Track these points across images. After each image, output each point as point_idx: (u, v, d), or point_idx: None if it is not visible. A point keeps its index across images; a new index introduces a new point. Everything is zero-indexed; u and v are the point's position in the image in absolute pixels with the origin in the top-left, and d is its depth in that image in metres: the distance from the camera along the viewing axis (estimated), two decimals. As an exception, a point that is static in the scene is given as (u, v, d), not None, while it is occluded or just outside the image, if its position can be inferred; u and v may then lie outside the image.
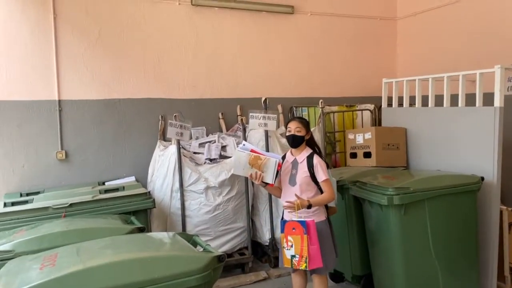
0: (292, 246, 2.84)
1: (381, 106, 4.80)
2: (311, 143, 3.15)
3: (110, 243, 2.04)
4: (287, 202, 2.94)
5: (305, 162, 3.04)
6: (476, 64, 4.07)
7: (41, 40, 4.13)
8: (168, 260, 1.84)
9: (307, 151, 3.10)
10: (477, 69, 3.58)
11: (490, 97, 3.40)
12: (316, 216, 2.96)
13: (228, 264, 4.21)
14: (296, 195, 2.94)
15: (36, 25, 4.11)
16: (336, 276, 4.06)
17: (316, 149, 3.14)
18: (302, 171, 3.02)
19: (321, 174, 2.97)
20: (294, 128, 3.06)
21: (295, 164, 3.09)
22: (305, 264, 2.79)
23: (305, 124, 3.12)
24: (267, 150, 4.25)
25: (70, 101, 4.26)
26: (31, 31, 4.09)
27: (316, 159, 3.03)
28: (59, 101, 4.21)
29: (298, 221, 2.81)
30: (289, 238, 2.83)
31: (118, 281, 1.68)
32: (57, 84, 4.19)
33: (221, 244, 4.20)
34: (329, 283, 4.03)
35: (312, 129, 4.67)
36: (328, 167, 3.10)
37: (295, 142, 3.08)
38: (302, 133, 3.06)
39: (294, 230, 2.81)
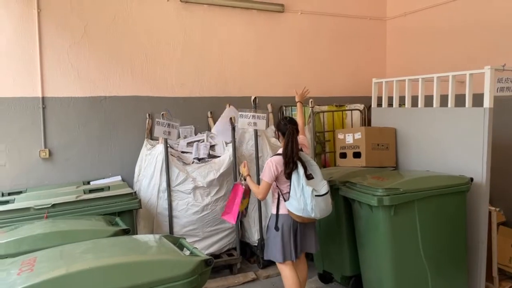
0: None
1: (370, 106, 4.79)
2: (285, 145, 3.12)
3: (92, 247, 1.96)
4: (242, 166, 3.40)
5: None
6: (466, 64, 4.07)
7: (24, 35, 4.00)
8: (153, 265, 1.77)
9: (279, 150, 3.19)
10: (467, 69, 3.57)
11: (480, 98, 3.40)
12: (272, 209, 3.25)
13: (216, 265, 4.16)
14: (246, 163, 3.39)
15: (20, 20, 3.98)
16: (325, 277, 4.04)
17: (283, 150, 3.11)
18: None
19: (262, 172, 3.18)
20: None
21: None
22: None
23: (276, 125, 3.33)
24: (257, 149, 4.21)
25: (54, 98, 4.15)
26: (14, 26, 3.97)
27: (268, 160, 3.16)
28: (43, 98, 4.09)
29: (236, 182, 3.45)
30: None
31: (100, 287, 1.61)
32: (40, 80, 4.07)
33: (209, 245, 4.14)
34: (318, 284, 4.04)
35: (302, 129, 4.69)
36: (287, 167, 3.07)
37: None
38: (276, 136, 3.35)
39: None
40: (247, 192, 3.42)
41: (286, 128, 3.15)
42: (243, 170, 3.35)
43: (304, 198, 2.98)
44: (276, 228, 3.14)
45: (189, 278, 1.79)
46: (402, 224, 3.07)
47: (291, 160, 3.04)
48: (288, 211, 3.09)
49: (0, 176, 3.95)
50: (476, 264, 3.43)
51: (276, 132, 3.32)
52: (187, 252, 2.07)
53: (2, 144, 3.96)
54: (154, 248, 2.06)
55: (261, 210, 4.26)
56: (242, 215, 3.46)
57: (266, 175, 3.09)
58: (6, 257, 2.04)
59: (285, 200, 3.11)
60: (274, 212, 3.19)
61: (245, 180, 3.36)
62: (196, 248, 2.10)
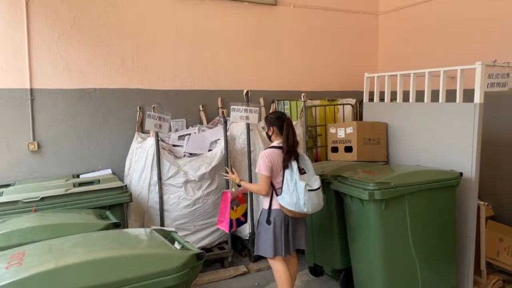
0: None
1: (362, 100, 4.80)
2: (285, 138, 3.14)
3: (81, 240, 1.93)
4: (224, 174, 3.49)
5: None
6: (457, 60, 4.09)
7: (12, 25, 3.92)
8: (144, 259, 1.75)
9: (275, 143, 3.21)
10: (458, 65, 3.59)
11: (471, 93, 3.42)
12: (263, 204, 3.24)
13: (207, 258, 4.10)
14: (233, 170, 3.47)
15: (7, 9, 3.90)
16: (316, 270, 4.07)
17: (279, 143, 3.16)
18: None
19: (257, 166, 3.15)
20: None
21: None
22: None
23: (267, 120, 3.30)
24: (249, 143, 4.19)
25: (43, 90, 4.08)
26: (3, 16, 3.89)
27: (265, 151, 3.19)
28: (31, 89, 4.02)
29: (224, 191, 3.42)
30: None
31: (89, 282, 1.58)
32: (29, 72, 4.00)
33: (200, 239, 4.13)
34: (309, 277, 4.06)
35: (294, 123, 4.67)
36: (287, 161, 3.09)
37: (268, 139, 3.36)
38: (266, 129, 3.33)
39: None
40: (243, 199, 3.40)
41: (283, 120, 3.17)
42: (233, 177, 3.34)
43: (297, 193, 2.99)
44: (268, 222, 3.13)
45: (180, 272, 1.77)
46: (392, 218, 3.09)
47: (292, 150, 3.09)
48: (280, 205, 3.09)
49: (-13, 168, 3.89)
50: (464, 257, 3.47)
51: (270, 127, 3.23)
52: (178, 246, 2.06)
53: (-11, 136, 3.89)
54: (145, 241, 2.05)
55: (252, 204, 4.26)
56: (241, 222, 3.46)
57: (263, 169, 3.07)
58: (-6, 251, 2.00)
59: (277, 195, 3.11)
60: (266, 207, 3.18)
61: (239, 186, 3.34)
62: (187, 241, 2.09)
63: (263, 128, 4.48)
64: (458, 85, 3.54)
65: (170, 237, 2.20)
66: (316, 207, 3.07)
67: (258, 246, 3.23)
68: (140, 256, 1.78)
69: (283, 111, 5.12)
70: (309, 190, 2.98)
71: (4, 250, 1.95)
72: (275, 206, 3.14)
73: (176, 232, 2.26)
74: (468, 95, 3.47)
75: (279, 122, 3.18)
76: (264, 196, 3.17)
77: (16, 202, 3.01)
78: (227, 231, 3.41)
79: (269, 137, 3.31)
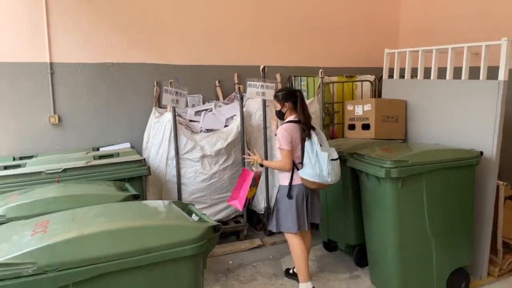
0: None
1: (381, 77, 4.70)
2: (300, 111, 3.20)
3: (103, 211, 2.00)
4: (246, 155, 3.51)
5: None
6: (482, 36, 3.94)
7: (30, 1, 3.93)
8: (163, 229, 1.81)
9: (290, 118, 3.23)
10: (483, 41, 3.47)
11: (495, 70, 3.32)
12: (281, 180, 3.25)
13: (223, 231, 4.22)
14: (254, 150, 3.49)
15: (26, -17, 3.91)
16: (330, 245, 4.11)
17: (297, 118, 3.19)
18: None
19: (277, 143, 3.16)
20: (274, 105, 3.39)
21: None
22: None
23: (278, 98, 3.29)
24: (265, 119, 4.19)
25: (62, 64, 4.12)
26: (21, -10, 3.90)
27: (283, 126, 3.18)
28: (51, 63, 4.06)
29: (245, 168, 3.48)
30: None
31: (111, 250, 1.65)
32: (48, 46, 4.03)
33: (216, 212, 4.21)
34: (323, 251, 4.12)
35: (311, 100, 4.66)
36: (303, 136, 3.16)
37: (277, 116, 3.38)
38: (278, 107, 3.30)
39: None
40: (257, 180, 3.39)
41: (296, 95, 3.23)
42: (255, 157, 3.33)
43: (320, 164, 3.07)
44: (290, 197, 3.15)
45: (197, 243, 1.82)
46: (409, 196, 3.08)
47: (308, 124, 3.17)
48: (302, 179, 3.14)
49: (11, 140, 3.99)
50: (481, 236, 3.45)
51: (284, 103, 3.25)
52: (196, 218, 2.11)
53: (12, 109, 3.97)
54: (164, 213, 2.10)
55: (267, 179, 4.29)
56: (249, 202, 3.47)
57: (284, 143, 3.09)
58: (19, 219, 2.09)
59: (297, 169, 3.14)
60: (286, 183, 3.19)
61: (261, 166, 3.35)
62: (204, 214, 2.13)
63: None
64: (482, 61, 3.43)
65: (187, 210, 2.25)
66: (337, 177, 3.15)
67: (279, 223, 3.24)
68: (159, 226, 1.83)
69: (299, 87, 5.08)
70: (331, 159, 3.06)
71: (29, 218, 2.03)
72: (296, 181, 3.16)
73: (193, 205, 2.30)
74: (492, 73, 3.37)
75: (293, 97, 3.22)
76: (287, 171, 3.17)
77: (39, 173, 3.11)
78: (241, 209, 3.43)
79: (282, 115, 3.30)
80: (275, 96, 3.37)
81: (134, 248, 1.69)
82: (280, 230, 3.27)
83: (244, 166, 3.89)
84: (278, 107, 3.29)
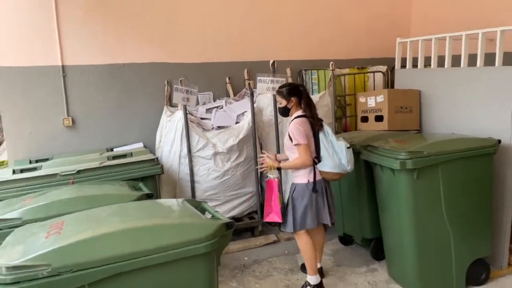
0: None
1: (394, 67, 4.62)
2: (306, 105, 3.15)
3: (117, 210, 2.01)
4: (259, 164, 3.36)
5: (288, 127, 3.15)
6: (497, 21, 3.83)
7: (41, 3, 3.98)
8: (176, 228, 1.81)
9: (297, 113, 3.16)
10: (498, 26, 3.37)
11: (511, 56, 3.22)
12: (297, 178, 3.14)
13: (238, 228, 4.25)
14: (267, 155, 3.28)
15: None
16: (346, 239, 4.08)
17: (304, 113, 3.14)
18: (286, 135, 3.16)
19: (293, 139, 3.05)
20: (277, 101, 3.30)
21: (287, 126, 3.23)
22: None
23: (283, 94, 3.19)
24: (276, 114, 4.16)
25: (74, 66, 4.17)
26: (31, -5, 3.95)
27: (294, 122, 3.09)
28: (63, 66, 4.11)
29: (268, 179, 3.20)
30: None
31: (125, 249, 1.66)
32: (59, 49, 4.08)
33: (230, 209, 4.21)
34: (338, 245, 4.10)
35: (322, 93, 4.61)
36: (323, 129, 3.14)
37: (281, 113, 3.29)
38: (282, 104, 3.19)
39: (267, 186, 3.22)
40: (280, 186, 3.24)
41: (300, 90, 3.19)
42: (270, 163, 3.18)
43: (337, 154, 3.08)
44: (315, 191, 3.08)
45: (210, 240, 1.82)
46: (425, 187, 3.02)
47: (316, 117, 3.15)
48: (322, 173, 3.12)
49: (27, 144, 4.06)
50: (500, 227, 3.38)
51: (290, 98, 3.14)
52: (209, 216, 2.10)
53: (27, 112, 4.04)
54: (177, 211, 2.10)
55: (281, 175, 4.26)
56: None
57: (301, 138, 3.02)
58: (35, 221, 2.12)
59: (315, 164, 3.11)
60: (304, 180, 3.09)
61: (279, 169, 3.24)
62: (217, 211, 2.13)
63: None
64: (497, 47, 3.35)
65: (200, 207, 2.25)
66: (353, 164, 3.15)
67: (296, 222, 3.13)
68: (173, 225, 1.83)
69: (310, 81, 5.03)
70: (347, 147, 3.08)
71: (44, 220, 2.06)
72: (318, 176, 3.12)
73: (207, 203, 2.30)
74: (509, 59, 3.28)
75: (298, 92, 3.17)
76: (308, 167, 3.08)
77: (54, 175, 3.15)
78: (280, 221, 3.15)
79: (287, 111, 3.20)
80: (279, 92, 3.23)
81: (149, 247, 1.69)
82: (297, 229, 3.15)
83: (257, 165, 3.86)
84: (283, 103, 3.18)
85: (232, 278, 3.56)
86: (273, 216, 3.16)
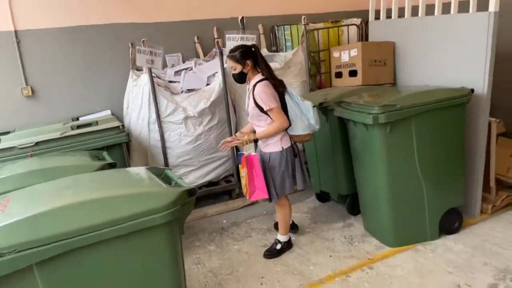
0: (243, 177, 2.99)
1: (368, 20, 4.45)
2: (265, 66, 2.92)
3: (70, 183, 1.89)
4: (223, 142, 3.03)
5: (251, 92, 2.90)
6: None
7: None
8: (132, 198, 1.71)
9: (257, 78, 2.91)
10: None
11: (486, 2, 3.10)
12: (270, 147, 2.97)
13: (215, 191, 4.22)
14: (241, 132, 3.11)
15: None
16: (322, 197, 4.09)
17: (264, 75, 2.90)
18: (250, 102, 2.92)
19: (263, 104, 2.82)
20: (230, 67, 2.97)
21: (248, 94, 2.97)
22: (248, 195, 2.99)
23: (235, 58, 2.88)
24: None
25: (28, 31, 3.88)
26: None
27: (258, 87, 2.85)
28: (15, 31, 3.83)
29: (245, 155, 2.90)
30: (242, 170, 2.97)
31: (72, 225, 1.55)
32: (10, 12, 3.77)
33: (206, 173, 4.14)
34: (315, 203, 4.10)
35: (295, 50, 4.44)
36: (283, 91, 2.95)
37: (237, 80, 2.99)
38: (237, 69, 2.90)
39: (243, 163, 2.94)
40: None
41: (254, 51, 2.93)
42: (245, 138, 2.91)
43: (305, 115, 2.98)
44: (296, 155, 3.00)
45: (170, 209, 1.73)
46: (398, 141, 2.98)
47: (277, 78, 2.97)
48: (294, 137, 3.03)
49: (-15, 117, 3.85)
50: (473, 175, 3.39)
51: (245, 61, 2.86)
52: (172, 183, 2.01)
53: (-19, 84, 3.80)
54: (136, 181, 2.00)
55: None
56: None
57: (271, 102, 2.82)
58: (-11, 199, 1.99)
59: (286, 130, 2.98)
60: (278, 148, 2.95)
61: (256, 141, 2.96)
62: (180, 178, 2.04)
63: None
64: (471, -8, 3.21)
65: (164, 174, 2.15)
66: (319, 122, 3.09)
67: (278, 191, 3.03)
68: (128, 195, 1.73)
69: (283, 37, 4.84)
70: (313, 106, 2.99)
71: (-2, 197, 1.94)
72: (279, 147, 2.96)
73: (170, 169, 2.20)
74: (483, 4, 3.15)
75: (251, 53, 2.90)
76: (286, 127, 2.91)
77: (12, 148, 3.00)
78: (267, 197, 2.99)
79: (243, 76, 2.92)
80: (231, 57, 2.89)
81: (99, 221, 1.59)
82: (280, 197, 3.06)
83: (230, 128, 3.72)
84: (238, 68, 2.88)
85: (210, 242, 3.54)
86: (259, 193, 2.96)
